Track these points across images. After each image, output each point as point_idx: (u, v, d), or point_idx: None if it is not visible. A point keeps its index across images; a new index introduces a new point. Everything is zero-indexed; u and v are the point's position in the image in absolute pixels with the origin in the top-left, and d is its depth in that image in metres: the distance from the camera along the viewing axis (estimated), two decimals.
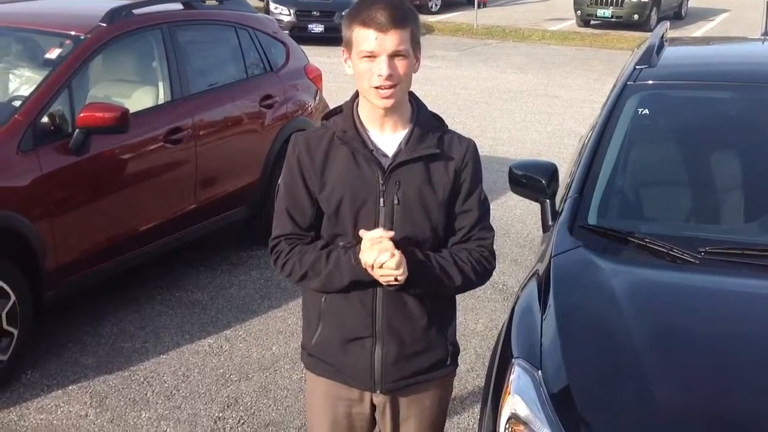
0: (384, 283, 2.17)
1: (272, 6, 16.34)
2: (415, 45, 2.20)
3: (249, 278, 5.48)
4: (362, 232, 2.15)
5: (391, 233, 2.13)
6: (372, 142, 2.26)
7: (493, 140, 9.18)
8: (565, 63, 15.04)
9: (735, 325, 2.69)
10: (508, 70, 14.08)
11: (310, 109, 6.26)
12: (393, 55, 2.14)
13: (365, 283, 2.21)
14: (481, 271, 2.30)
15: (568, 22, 20.39)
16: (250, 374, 4.32)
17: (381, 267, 2.11)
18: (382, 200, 2.21)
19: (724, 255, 2.93)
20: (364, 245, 2.14)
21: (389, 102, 2.18)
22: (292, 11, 16.08)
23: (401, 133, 2.26)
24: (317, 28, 15.92)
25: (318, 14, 16.06)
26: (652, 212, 3.45)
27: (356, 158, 2.24)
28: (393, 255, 2.10)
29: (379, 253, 2.10)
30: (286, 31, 8.12)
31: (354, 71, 2.21)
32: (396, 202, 2.21)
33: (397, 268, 2.10)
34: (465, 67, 14.28)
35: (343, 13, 15.83)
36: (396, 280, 2.13)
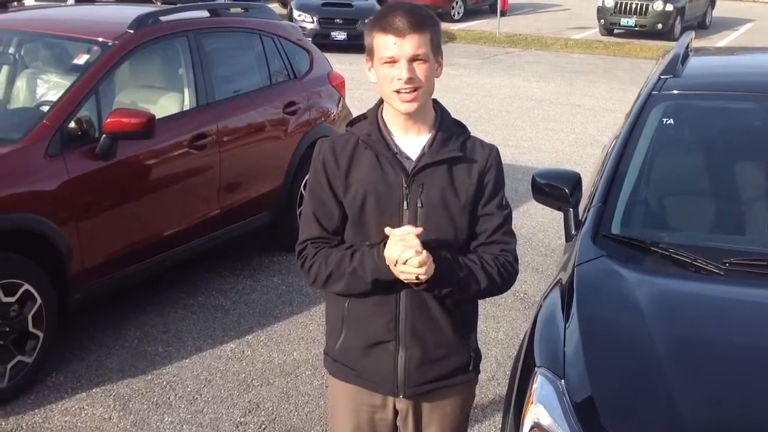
0: (405, 281, 2.17)
1: (295, 13, 16.43)
2: (436, 50, 2.23)
3: (271, 284, 5.51)
4: (388, 230, 2.16)
5: (420, 230, 2.14)
6: (396, 145, 2.28)
7: (515, 148, 9.17)
8: (588, 72, 14.99)
9: (760, 337, 2.67)
10: (531, 79, 14.06)
11: (332, 116, 6.29)
12: (412, 59, 2.17)
13: (388, 284, 2.22)
14: (506, 277, 2.31)
15: (592, 30, 20.33)
16: (271, 380, 4.34)
17: (405, 263, 2.11)
18: (405, 203, 2.23)
19: (748, 266, 2.91)
20: (390, 241, 2.14)
21: (411, 106, 2.20)
22: (315, 19, 16.16)
23: (425, 137, 2.29)
24: (340, 35, 15.99)
25: (341, 22, 16.13)
26: (677, 222, 3.43)
27: (380, 161, 2.26)
28: (419, 252, 2.10)
29: (403, 249, 2.10)
30: (309, 39, 8.17)
31: (376, 78, 2.24)
32: (419, 205, 2.23)
33: (420, 266, 2.10)
34: (487, 75, 14.28)
35: (366, 21, 15.96)
36: (417, 279, 2.14)
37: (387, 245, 2.15)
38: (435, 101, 2.34)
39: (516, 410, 2.57)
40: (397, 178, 2.24)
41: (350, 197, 2.27)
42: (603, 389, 2.42)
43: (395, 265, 2.13)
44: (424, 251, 2.11)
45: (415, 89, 2.18)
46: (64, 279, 4.24)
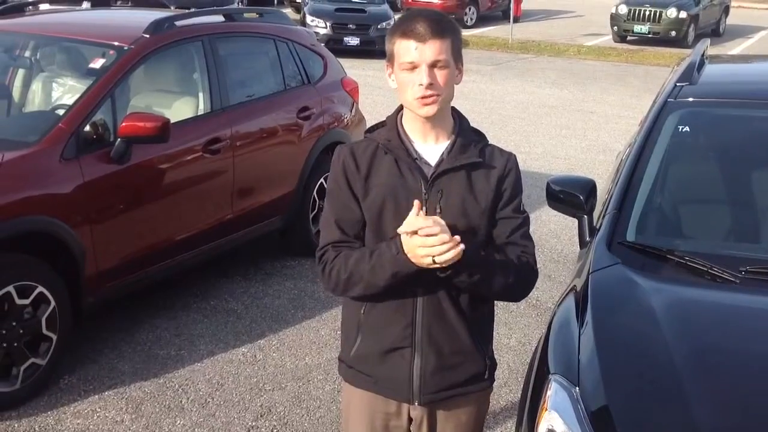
0: (428, 265, 2.11)
1: (308, 19, 16.47)
2: (456, 56, 2.24)
3: (283, 288, 5.51)
4: (400, 228, 2.14)
5: (429, 218, 2.11)
6: (415, 151, 2.29)
7: (527, 155, 9.15)
8: (601, 78, 14.97)
9: None
10: (543, 85, 14.05)
11: (346, 121, 6.30)
12: (433, 65, 2.17)
13: (408, 279, 2.20)
14: (530, 278, 2.31)
15: (605, 37, 20.31)
16: (283, 384, 4.34)
17: (419, 234, 2.08)
18: (425, 208, 2.23)
19: (765, 274, 2.90)
20: (403, 226, 2.13)
21: (432, 110, 2.20)
22: (328, 24, 16.20)
23: (444, 144, 2.29)
24: (353, 40, 16.03)
25: (354, 27, 16.16)
26: (692, 230, 3.42)
27: (400, 166, 2.26)
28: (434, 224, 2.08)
29: (416, 219, 2.09)
30: (322, 44, 8.21)
31: (397, 83, 2.25)
32: (438, 210, 2.23)
33: (437, 234, 2.06)
34: (499, 81, 14.27)
35: (378, 26, 16.04)
36: (439, 264, 2.09)
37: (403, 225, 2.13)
38: (453, 109, 2.34)
39: (530, 417, 2.56)
40: (417, 183, 2.25)
41: (369, 201, 2.27)
42: (618, 397, 2.41)
43: (412, 237, 2.10)
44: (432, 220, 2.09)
45: (436, 95, 2.18)
46: (77, 282, 4.25)
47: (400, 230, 2.13)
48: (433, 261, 2.10)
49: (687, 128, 3.62)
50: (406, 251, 2.13)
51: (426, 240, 2.09)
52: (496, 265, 2.23)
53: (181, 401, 4.14)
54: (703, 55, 4.23)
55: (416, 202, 2.14)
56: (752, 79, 4.49)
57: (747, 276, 2.87)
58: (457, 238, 2.09)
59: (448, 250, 2.08)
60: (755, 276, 2.88)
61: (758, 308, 2.87)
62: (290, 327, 4.98)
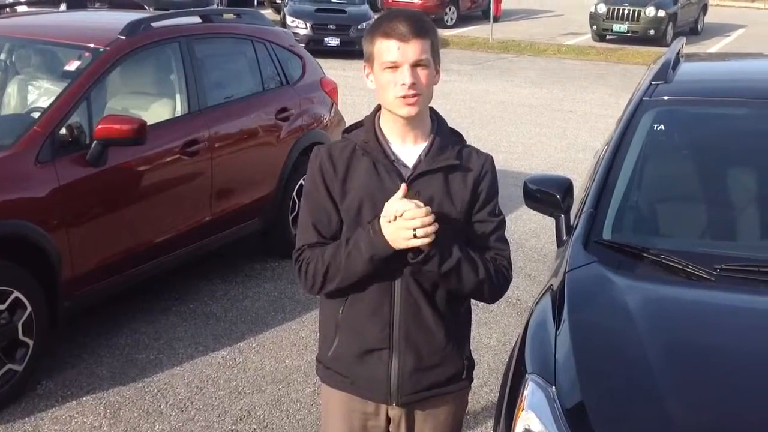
0: (405, 246, 2.13)
1: (288, 19, 16.45)
2: (435, 56, 2.24)
3: (263, 291, 5.49)
4: (383, 213, 2.16)
5: (417, 202, 2.13)
6: (393, 152, 2.29)
7: (507, 154, 9.18)
8: (581, 77, 15.03)
9: (751, 343, 2.67)
10: (523, 85, 14.10)
11: (325, 121, 6.29)
12: (415, 65, 2.18)
13: (385, 264, 2.19)
14: (501, 280, 2.31)
15: (584, 36, 20.40)
16: (263, 387, 4.32)
17: (402, 217, 2.10)
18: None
19: (740, 272, 2.91)
20: (387, 203, 2.15)
21: (413, 110, 2.20)
22: (308, 24, 16.19)
23: (421, 145, 2.29)
24: (333, 41, 16.02)
25: (334, 28, 16.16)
26: (668, 228, 3.44)
27: (377, 168, 2.26)
28: (418, 206, 2.10)
29: (399, 202, 2.11)
30: (302, 45, 8.19)
31: (376, 84, 2.25)
32: None
33: (414, 218, 2.08)
34: (480, 81, 14.30)
35: (359, 27, 16.03)
36: (416, 243, 2.11)
37: (384, 209, 2.15)
38: (432, 109, 2.34)
39: (507, 417, 2.56)
40: (394, 185, 2.24)
41: (347, 204, 2.27)
42: (594, 395, 2.42)
43: (395, 220, 2.11)
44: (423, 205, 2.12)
45: (417, 95, 2.19)
46: (54, 286, 4.21)
47: (383, 216, 2.14)
48: (414, 236, 2.11)
49: (662, 127, 3.64)
50: (385, 235, 2.14)
51: (405, 222, 2.10)
52: (467, 257, 2.23)
53: (159, 406, 4.12)
54: (678, 53, 4.25)
55: (403, 186, 2.15)
56: (727, 77, 4.52)
57: (722, 274, 2.89)
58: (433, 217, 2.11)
59: (429, 225, 2.10)
60: (730, 274, 2.89)
61: (733, 306, 2.88)
62: (270, 329, 4.96)
